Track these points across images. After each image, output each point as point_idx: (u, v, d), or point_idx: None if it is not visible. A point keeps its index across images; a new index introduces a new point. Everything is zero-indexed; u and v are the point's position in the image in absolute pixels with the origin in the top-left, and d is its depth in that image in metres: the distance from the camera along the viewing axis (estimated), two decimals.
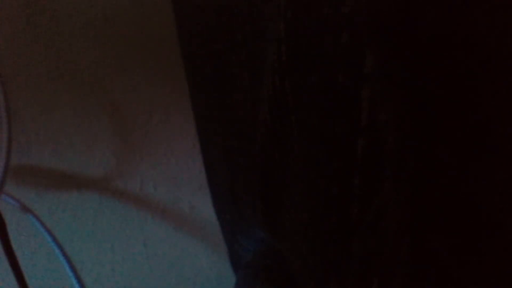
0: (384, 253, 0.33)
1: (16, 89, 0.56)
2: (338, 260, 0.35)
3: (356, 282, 0.34)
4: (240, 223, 0.44)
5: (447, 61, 0.31)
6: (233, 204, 0.44)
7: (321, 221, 0.35)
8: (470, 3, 0.30)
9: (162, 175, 0.61)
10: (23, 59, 0.56)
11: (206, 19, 0.41)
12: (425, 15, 0.30)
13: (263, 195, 0.40)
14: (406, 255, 0.33)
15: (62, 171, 0.59)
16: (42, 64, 0.56)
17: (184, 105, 0.58)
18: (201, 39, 0.43)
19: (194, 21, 0.43)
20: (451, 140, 0.32)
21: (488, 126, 0.31)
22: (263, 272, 0.42)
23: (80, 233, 0.61)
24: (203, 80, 0.44)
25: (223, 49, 0.40)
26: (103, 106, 0.59)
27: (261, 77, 0.36)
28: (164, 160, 0.60)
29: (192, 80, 0.47)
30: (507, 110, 0.31)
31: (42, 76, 0.57)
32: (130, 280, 0.63)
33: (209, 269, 0.64)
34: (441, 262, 0.33)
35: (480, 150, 0.32)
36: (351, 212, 0.33)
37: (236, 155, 0.42)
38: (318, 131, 0.34)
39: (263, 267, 0.42)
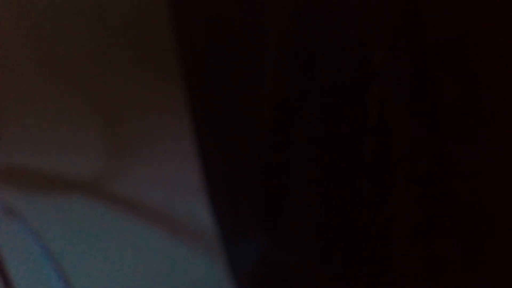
0: (394, 256, 0.33)
1: (4, 88, 0.56)
2: (345, 267, 0.34)
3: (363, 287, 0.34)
4: (239, 229, 0.44)
5: (459, 57, 0.30)
6: (231, 208, 0.44)
7: (326, 225, 0.34)
8: (481, 1, 0.29)
9: (157, 178, 0.61)
10: (11, 57, 0.56)
11: (204, 16, 0.41)
12: (437, 8, 0.30)
13: (263, 199, 0.39)
14: (416, 257, 0.33)
15: (52, 173, 0.59)
16: (33, 63, 0.56)
17: (181, 106, 0.58)
18: (199, 37, 0.42)
19: (192, 18, 0.43)
20: (463, 138, 0.31)
21: (502, 124, 0.31)
22: (262, 280, 0.42)
23: (70, 237, 0.60)
24: (201, 80, 0.44)
25: (222, 47, 0.40)
26: (97, 107, 0.59)
27: (262, 76, 0.36)
28: (160, 162, 0.60)
29: (189, 79, 0.47)
30: None
31: (33, 75, 0.57)
32: None
33: (206, 277, 0.64)
34: (454, 267, 0.33)
35: (493, 150, 0.31)
36: (360, 216, 0.33)
37: (235, 157, 0.42)
38: (322, 131, 0.33)
39: (262, 275, 0.42)
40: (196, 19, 0.42)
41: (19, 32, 0.56)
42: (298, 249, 0.37)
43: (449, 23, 0.30)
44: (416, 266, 0.32)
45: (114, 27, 0.57)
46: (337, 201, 0.33)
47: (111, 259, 0.62)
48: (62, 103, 0.57)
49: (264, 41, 0.35)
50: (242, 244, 0.44)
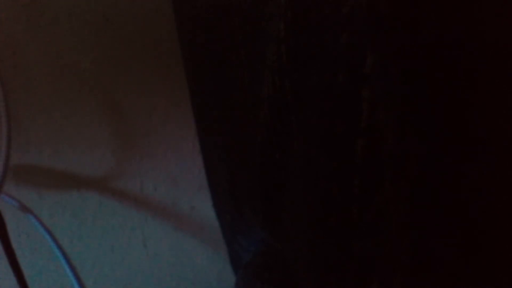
0: (384, 253, 0.33)
1: (16, 89, 0.56)
2: (338, 260, 0.35)
3: (356, 282, 0.34)
4: (240, 223, 0.44)
5: (447, 61, 0.31)
6: (233, 204, 0.44)
7: (321, 221, 0.35)
8: (470, 4, 0.30)
9: (162, 175, 0.61)
10: (23, 59, 0.56)
11: (206, 19, 0.41)
12: (425, 15, 0.30)
13: (263, 196, 0.40)
14: (406, 255, 0.33)
15: (62, 171, 0.59)
16: (42, 64, 0.56)
17: (184, 105, 0.58)
18: (201, 39, 0.43)
19: (194, 21, 0.43)
20: (450, 140, 0.32)
21: (488, 126, 0.32)
22: (263, 272, 0.42)
23: (80, 233, 0.60)
24: (203, 80, 0.44)
25: (223, 49, 0.40)
26: (103, 106, 0.58)
27: (261, 77, 0.36)
28: (164, 160, 0.60)
29: (192, 80, 0.47)
30: (507, 110, 0.31)
31: (42, 76, 0.56)
32: (130, 281, 0.63)
33: (209, 270, 0.64)
34: (441, 262, 0.33)
35: (479, 150, 0.32)
36: (351, 212, 0.33)
37: (236, 155, 0.42)
38: (318, 131, 0.34)
39: (263, 267, 0.42)
40: (200, 27, 0.43)
41: (32, 38, 0.56)
42: (295, 242, 0.37)
43: (438, 28, 0.30)
44: (405, 260, 0.33)
45: (123, 34, 0.57)
46: (331, 196, 0.34)
47: (120, 253, 0.62)
48: (73, 104, 0.57)
49: (264, 48, 0.35)
50: (242, 237, 0.45)
